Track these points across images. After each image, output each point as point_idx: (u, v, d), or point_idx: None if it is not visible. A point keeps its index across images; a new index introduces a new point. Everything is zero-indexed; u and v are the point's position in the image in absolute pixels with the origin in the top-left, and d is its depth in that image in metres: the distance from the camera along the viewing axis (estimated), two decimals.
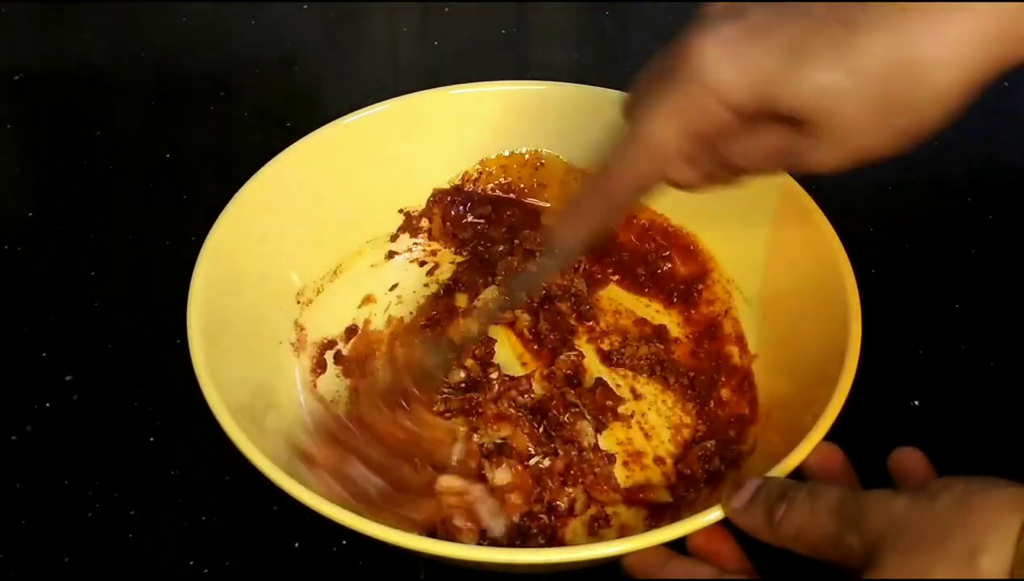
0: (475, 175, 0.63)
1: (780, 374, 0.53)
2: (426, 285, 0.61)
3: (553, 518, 0.50)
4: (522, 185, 0.63)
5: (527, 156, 0.63)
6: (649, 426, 0.54)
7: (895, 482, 0.43)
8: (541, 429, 0.53)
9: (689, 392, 0.56)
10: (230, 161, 0.57)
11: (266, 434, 0.47)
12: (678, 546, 0.42)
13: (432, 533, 0.48)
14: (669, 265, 0.60)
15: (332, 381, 0.56)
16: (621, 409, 0.55)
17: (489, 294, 0.57)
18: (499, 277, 0.58)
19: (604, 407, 0.54)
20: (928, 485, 0.37)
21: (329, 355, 0.57)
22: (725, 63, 0.37)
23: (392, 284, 0.61)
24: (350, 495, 0.45)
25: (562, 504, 0.50)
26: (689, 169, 0.41)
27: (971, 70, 0.35)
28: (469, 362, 0.55)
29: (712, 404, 0.54)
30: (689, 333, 0.58)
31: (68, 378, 0.57)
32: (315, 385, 0.55)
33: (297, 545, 0.49)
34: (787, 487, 0.40)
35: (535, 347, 0.57)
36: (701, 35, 0.37)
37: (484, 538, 0.48)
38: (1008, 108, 0.73)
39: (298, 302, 0.57)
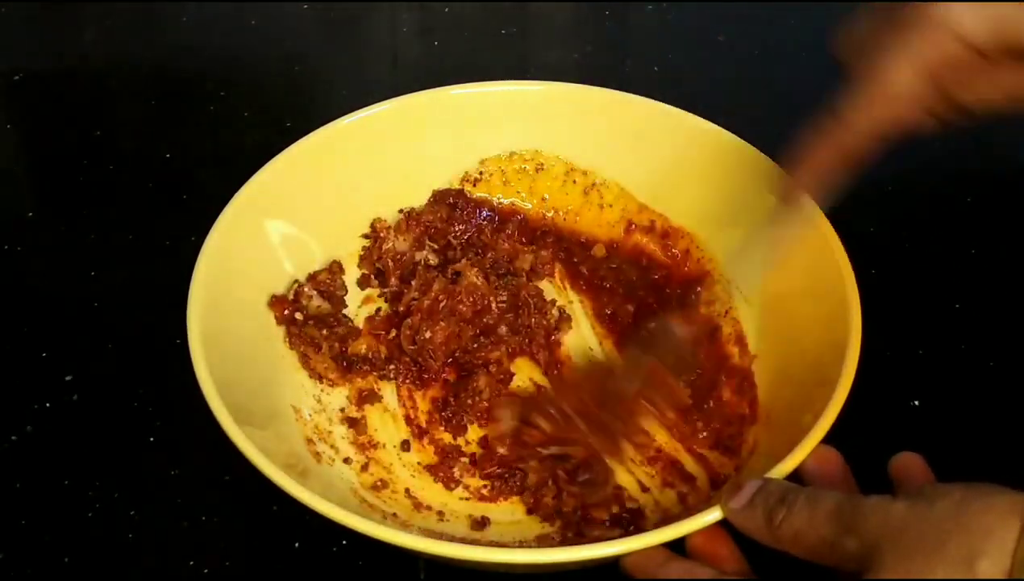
0: (475, 175, 0.63)
1: (780, 374, 0.53)
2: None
3: None
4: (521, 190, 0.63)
5: (527, 156, 0.63)
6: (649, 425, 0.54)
7: (895, 485, 0.44)
8: None
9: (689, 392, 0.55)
10: (230, 161, 0.57)
11: (266, 434, 0.47)
12: (677, 547, 0.42)
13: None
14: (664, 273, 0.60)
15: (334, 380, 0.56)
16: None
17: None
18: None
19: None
20: (926, 490, 0.37)
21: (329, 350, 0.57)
22: (966, 8, 0.38)
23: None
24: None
25: None
26: (923, 112, 0.42)
27: None
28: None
29: (712, 404, 0.54)
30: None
31: (68, 378, 0.57)
32: (317, 384, 0.55)
33: (297, 545, 0.49)
34: (786, 490, 0.40)
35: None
36: None
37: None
38: None
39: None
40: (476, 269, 0.57)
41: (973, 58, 0.39)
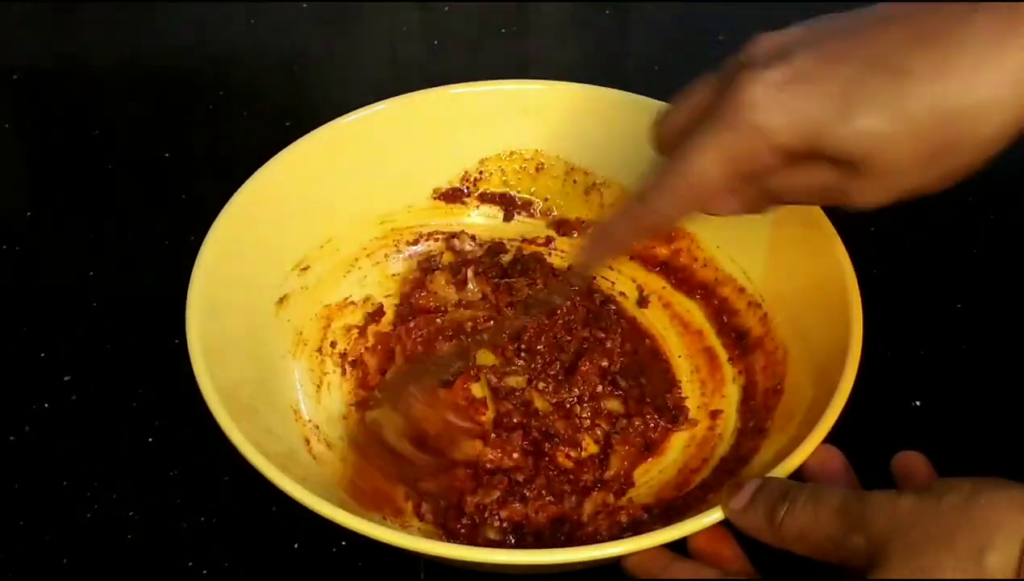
0: (475, 175, 0.63)
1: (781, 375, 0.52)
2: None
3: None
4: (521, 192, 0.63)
5: (527, 156, 0.63)
6: None
7: (897, 484, 0.44)
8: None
9: None
10: (230, 161, 0.57)
11: (265, 434, 0.46)
12: (678, 548, 0.42)
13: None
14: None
15: (333, 381, 0.56)
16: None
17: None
18: (515, 297, 0.57)
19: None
20: (933, 485, 0.37)
21: (329, 350, 0.57)
22: (775, 108, 0.38)
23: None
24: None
25: None
26: (730, 201, 0.43)
27: (1010, 114, 0.37)
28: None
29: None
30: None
31: (67, 378, 0.57)
32: (316, 385, 0.55)
33: (297, 546, 0.49)
34: (788, 488, 0.40)
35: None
36: (751, 78, 0.38)
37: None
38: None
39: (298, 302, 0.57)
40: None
41: (779, 157, 0.39)
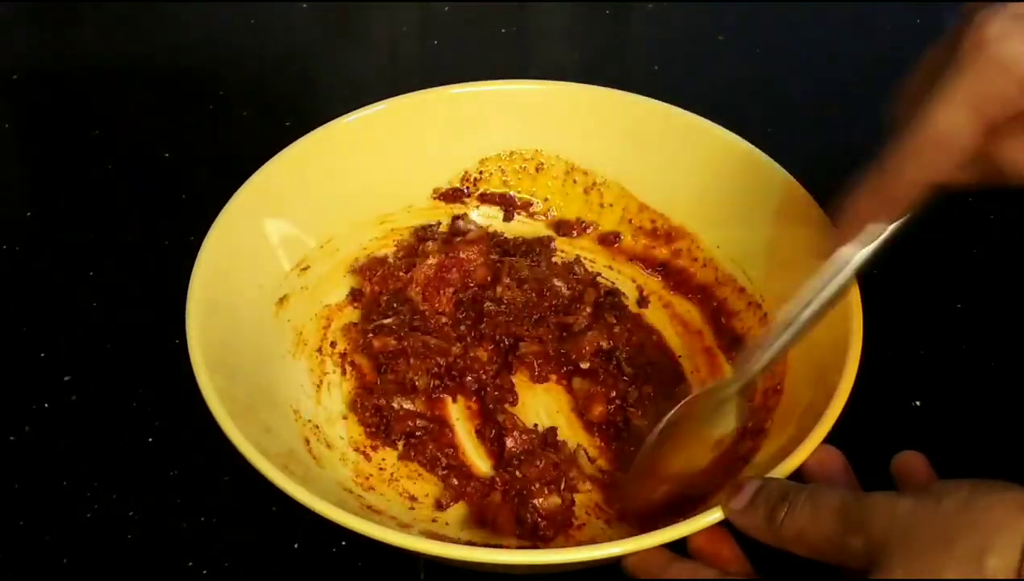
0: (475, 175, 0.63)
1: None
2: None
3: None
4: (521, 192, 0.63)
5: (527, 156, 0.63)
6: None
7: (897, 484, 0.44)
8: None
9: None
10: (230, 161, 0.57)
11: (265, 434, 0.46)
12: (678, 548, 0.42)
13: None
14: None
15: (333, 381, 0.56)
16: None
17: None
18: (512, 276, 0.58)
19: None
20: (932, 487, 0.37)
21: (329, 350, 0.57)
22: (1020, 37, 0.35)
23: None
24: None
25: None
26: (971, 165, 0.39)
27: None
28: None
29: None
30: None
31: (67, 378, 0.57)
32: (316, 385, 0.55)
33: (297, 546, 0.49)
34: (788, 488, 0.40)
35: None
36: (989, 15, 0.36)
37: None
38: None
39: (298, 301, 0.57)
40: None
41: None
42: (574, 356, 0.55)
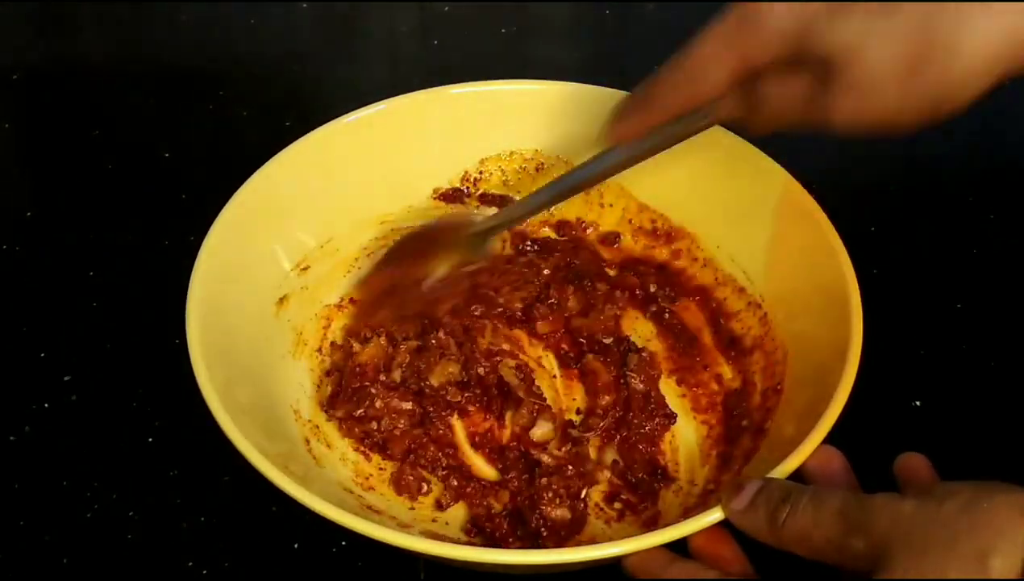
0: (475, 175, 0.63)
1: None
2: None
3: None
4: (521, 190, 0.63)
5: (527, 156, 0.63)
6: None
7: (900, 486, 0.43)
8: None
9: None
10: (230, 161, 0.57)
11: (265, 434, 0.46)
12: (679, 548, 0.42)
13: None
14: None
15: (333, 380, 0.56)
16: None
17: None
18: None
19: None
20: (934, 489, 0.37)
21: (328, 350, 0.57)
22: (784, 5, 0.41)
23: None
24: None
25: None
26: (727, 102, 0.45)
27: (991, 62, 0.38)
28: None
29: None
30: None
31: (67, 378, 0.57)
32: (316, 385, 0.55)
33: (297, 546, 0.49)
34: (789, 490, 0.40)
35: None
36: None
37: None
38: (1009, 108, 0.73)
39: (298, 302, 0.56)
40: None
41: (772, 51, 0.42)
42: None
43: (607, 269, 0.61)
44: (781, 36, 0.41)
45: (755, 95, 0.44)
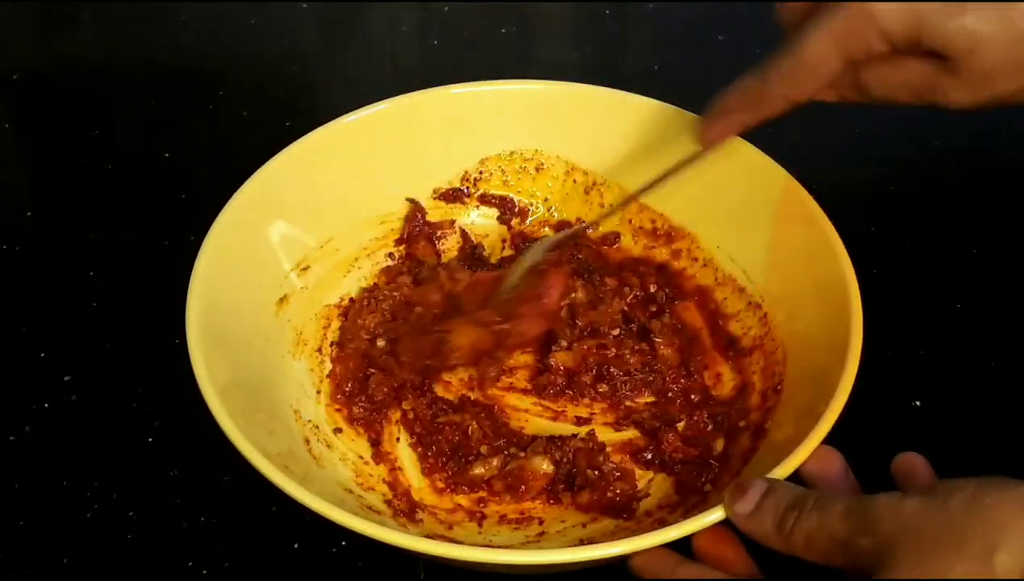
0: (475, 175, 0.63)
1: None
2: None
3: None
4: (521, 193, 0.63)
5: (527, 156, 0.63)
6: None
7: (897, 486, 0.43)
8: None
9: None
10: (230, 161, 0.57)
11: (265, 434, 0.46)
12: (681, 547, 0.42)
13: None
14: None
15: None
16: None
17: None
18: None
19: None
20: (938, 487, 0.37)
21: (329, 350, 0.57)
22: (887, 4, 0.42)
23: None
24: None
25: None
26: (832, 88, 0.47)
27: None
28: None
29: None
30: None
31: (67, 378, 0.57)
32: (316, 385, 0.55)
33: (297, 546, 0.49)
34: (795, 496, 0.40)
35: None
36: None
37: None
38: (1009, 108, 0.73)
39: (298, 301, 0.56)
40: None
41: (886, 43, 0.43)
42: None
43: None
44: (894, 34, 0.43)
45: (863, 79, 0.45)
